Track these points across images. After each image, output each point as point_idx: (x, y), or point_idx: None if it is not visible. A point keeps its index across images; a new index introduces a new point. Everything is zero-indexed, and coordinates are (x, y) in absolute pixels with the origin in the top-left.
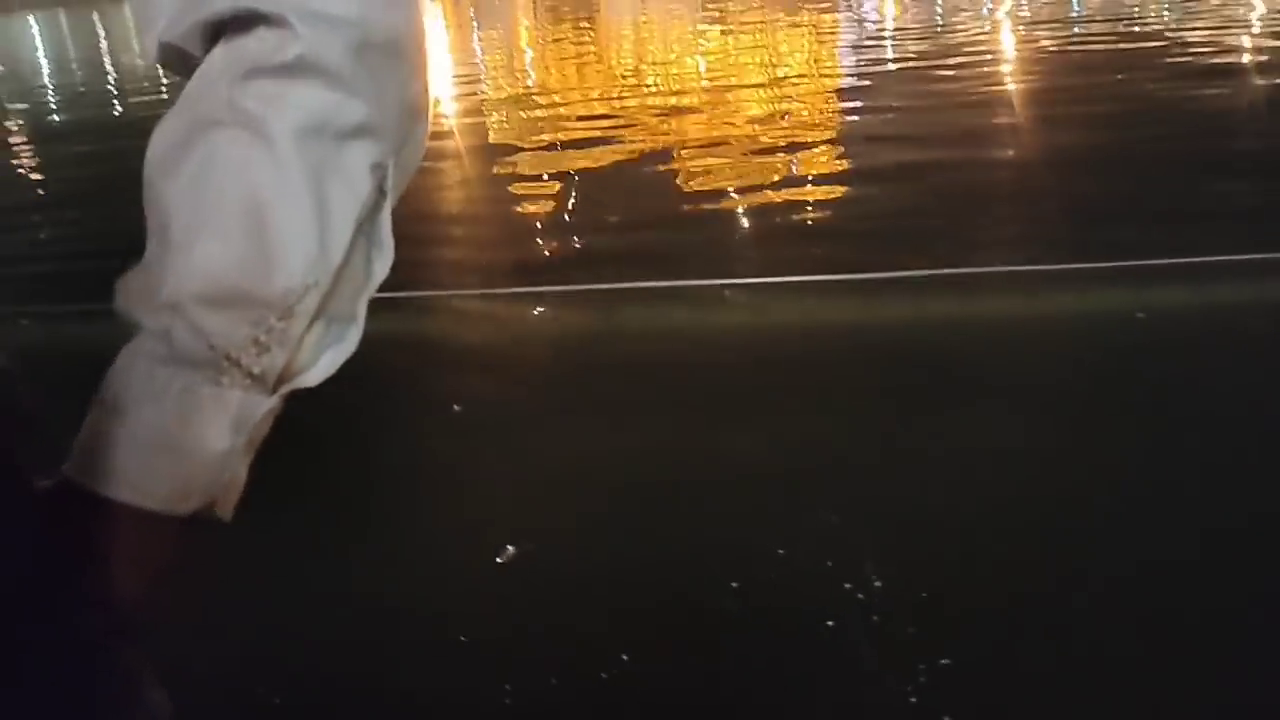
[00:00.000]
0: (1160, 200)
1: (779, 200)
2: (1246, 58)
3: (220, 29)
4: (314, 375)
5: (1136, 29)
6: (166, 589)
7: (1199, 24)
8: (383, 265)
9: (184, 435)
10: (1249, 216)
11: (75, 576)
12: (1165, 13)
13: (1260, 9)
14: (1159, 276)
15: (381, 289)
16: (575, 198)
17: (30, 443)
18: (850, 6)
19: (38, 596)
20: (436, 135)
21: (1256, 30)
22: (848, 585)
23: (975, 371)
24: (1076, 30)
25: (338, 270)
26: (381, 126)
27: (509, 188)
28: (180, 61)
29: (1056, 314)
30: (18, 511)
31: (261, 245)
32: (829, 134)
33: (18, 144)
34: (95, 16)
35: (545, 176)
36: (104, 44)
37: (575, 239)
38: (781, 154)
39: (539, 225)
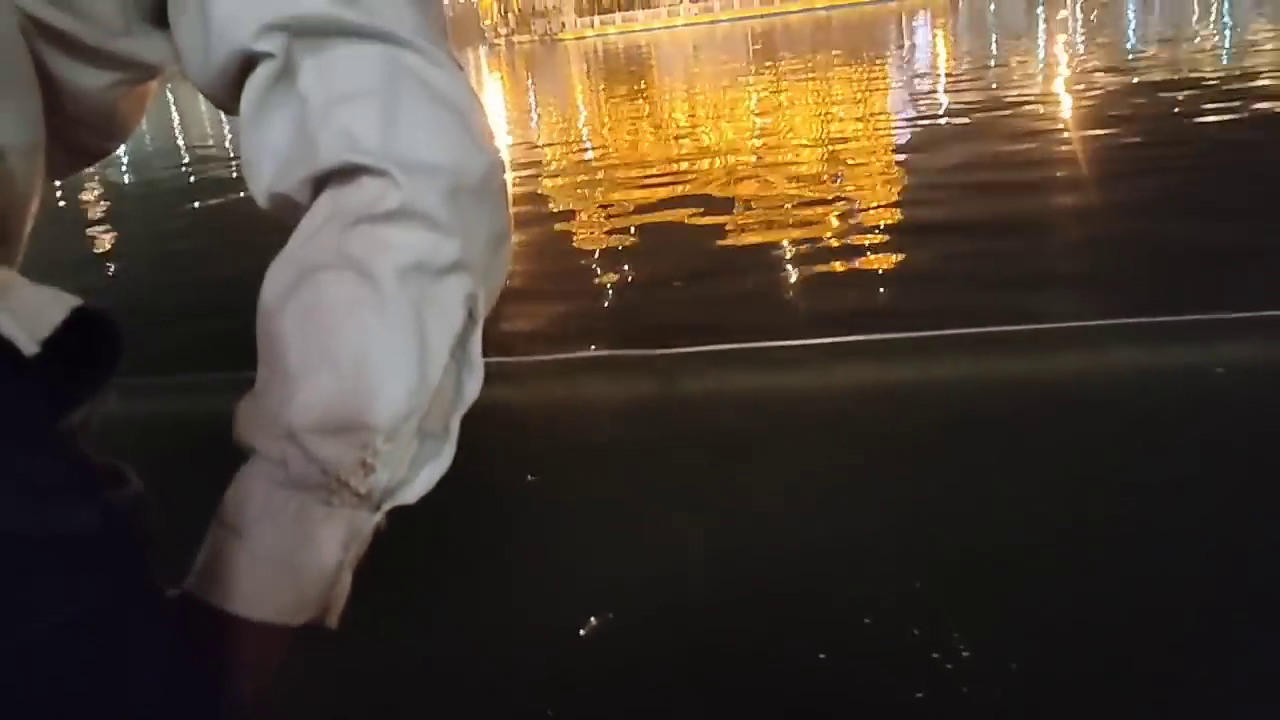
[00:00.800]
0: (1231, 249)
1: (834, 257)
2: None
3: (326, 179)
4: (414, 491)
5: (1191, 72)
6: (280, 692)
7: (1259, 63)
8: (474, 385)
9: (301, 552)
10: None
11: (203, 683)
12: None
13: None
14: (1237, 330)
15: None
16: (633, 260)
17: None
18: (902, 51)
19: (175, 702)
20: None
21: None
22: (935, 655)
23: (1046, 432)
24: (1131, 63)
25: (434, 393)
26: (473, 260)
27: (565, 247)
28: (288, 208)
29: (1128, 369)
30: (159, 626)
31: (368, 377)
32: (883, 189)
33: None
34: (169, 93)
35: (603, 237)
36: (176, 119)
37: (634, 302)
38: (835, 210)
39: (598, 287)
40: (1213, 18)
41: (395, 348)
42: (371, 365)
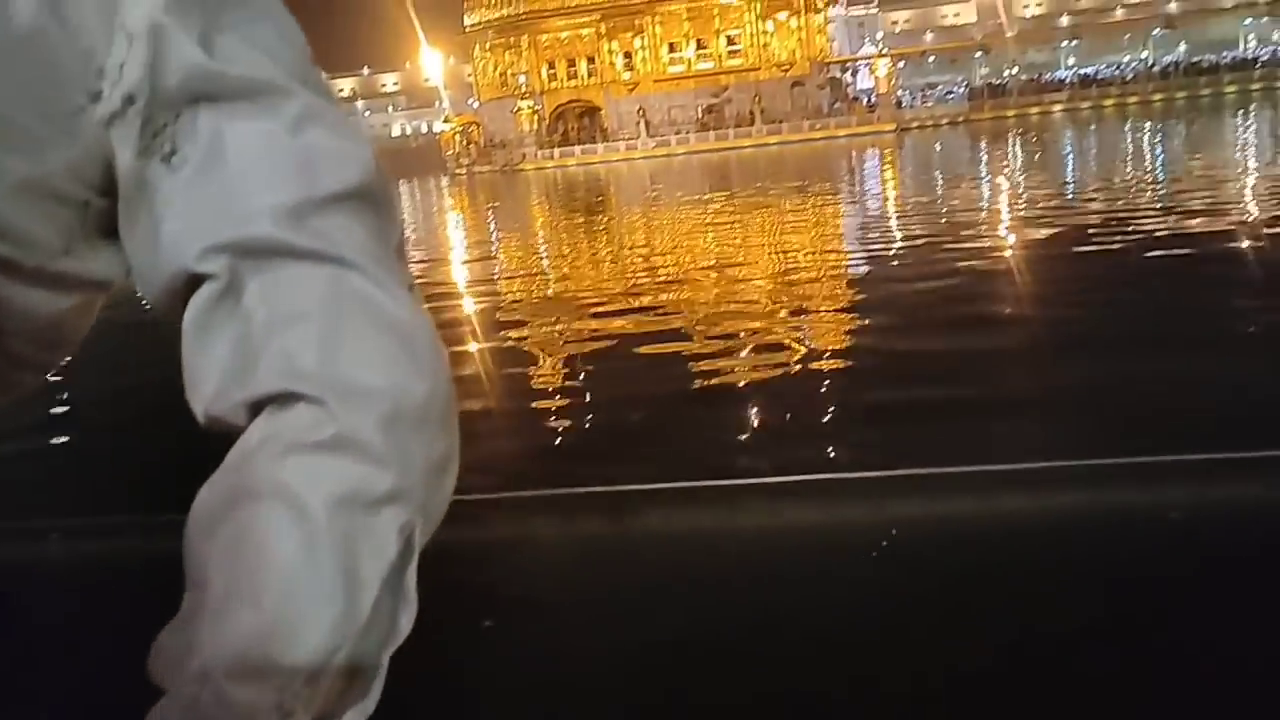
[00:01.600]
0: (1175, 384)
1: (788, 392)
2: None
3: (263, 403)
4: None
5: (1126, 210)
6: None
7: (1190, 201)
8: (408, 619)
9: None
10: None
11: None
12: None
13: None
14: (1193, 472)
15: None
16: (588, 392)
17: None
18: (851, 185)
19: None
20: (449, 324)
21: None
22: None
23: (992, 575)
24: (1068, 201)
25: (363, 629)
26: (410, 490)
27: (519, 380)
28: (224, 428)
29: (1080, 513)
30: None
31: (292, 616)
32: (835, 323)
33: None
34: None
35: (557, 368)
36: None
37: (590, 437)
38: (790, 341)
39: (551, 421)
40: (1146, 160)
41: (322, 584)
42: (296, 603)
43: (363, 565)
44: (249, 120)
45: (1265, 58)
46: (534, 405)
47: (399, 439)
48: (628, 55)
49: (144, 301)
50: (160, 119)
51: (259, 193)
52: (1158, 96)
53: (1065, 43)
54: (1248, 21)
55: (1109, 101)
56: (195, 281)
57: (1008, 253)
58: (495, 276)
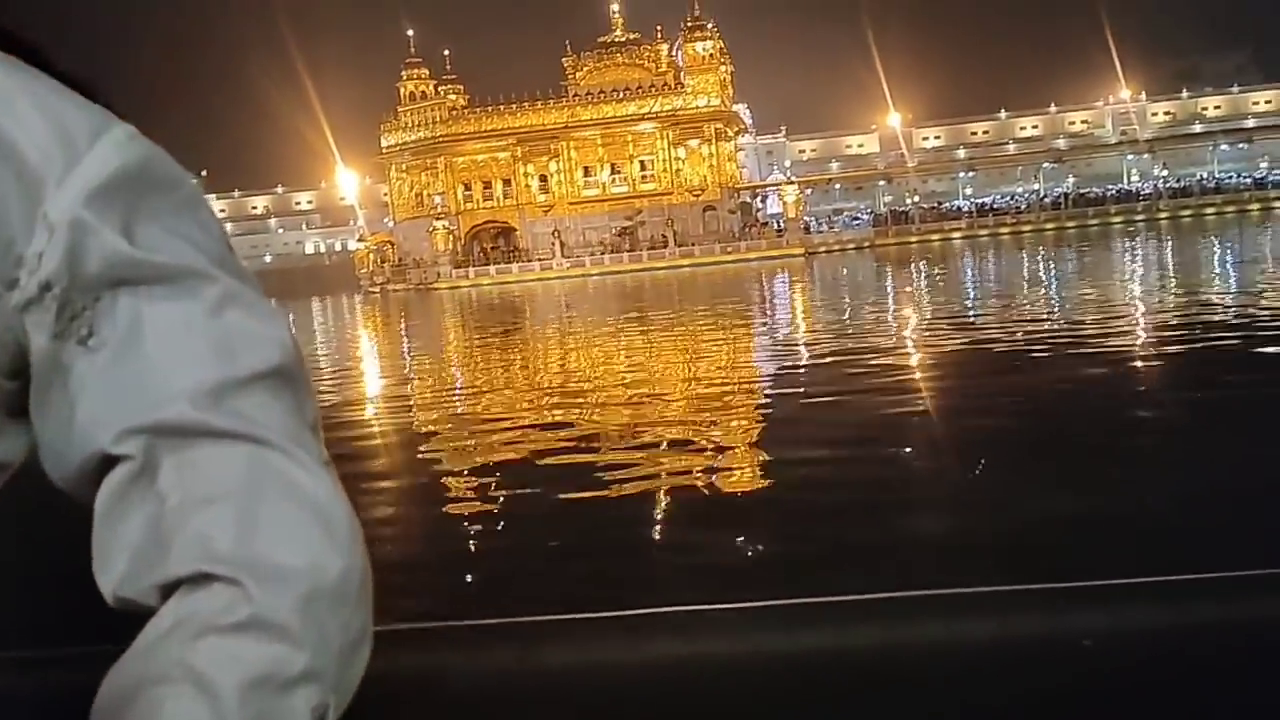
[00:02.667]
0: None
1: (700, 519)
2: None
3: (174, 585)
4: None
5: (1029, 329)
6: None
7: (1082, 322)
8: None
9: None
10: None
11: None
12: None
13: None
14: (1104, 598)
15: None
16: (502, 520)
17: None
18: (763, 306)
19: None
20: (365, 455)
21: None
22: None
23: (911, 709)
24: (969, 322)
25: None
26: (324, 668)
27: (430, 507)
28: (133, 609)
29: (985, 640)
30: None
31: None
32: (752, 447)
33: None
34: None
35: (474, 497)
36: None
37: (500, 566)
38: (701, 464)
39: (470, 550)
40: (1042, 281)
41: None
42: None
43: None
44: (168, 302)
45: (1147, 191)
46: (445, 539)
47: (315, 618)
48: (543, 178)
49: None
50: (79, 303)
51: (177, 375)
52: (1050, 225)
53: (963, 174)
54: (1130, 157)
55: (1005, 229)
56: (109, 463)
57: (911, 372)
58: (401, 396)
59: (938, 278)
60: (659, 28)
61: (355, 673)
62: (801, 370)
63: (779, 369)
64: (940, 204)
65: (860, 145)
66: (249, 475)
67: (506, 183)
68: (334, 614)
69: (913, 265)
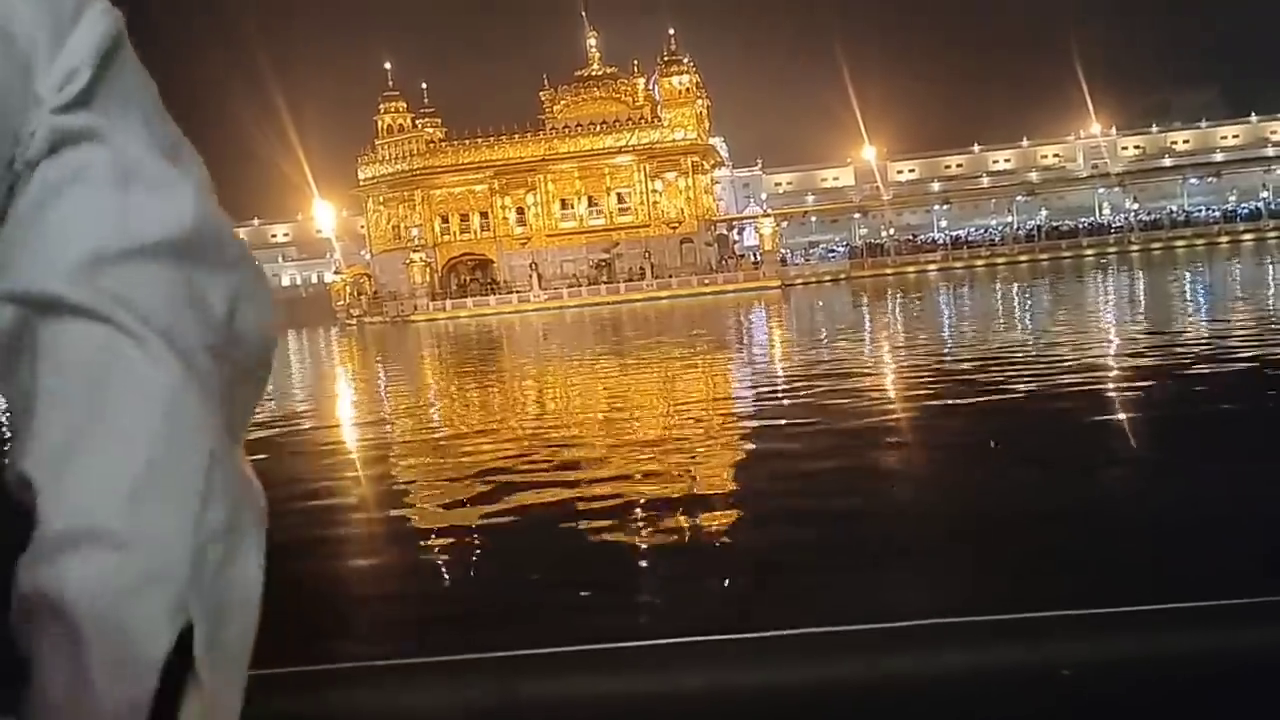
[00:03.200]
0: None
1: (679, 553)
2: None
3: (18, 479)
4: None
5: (1005, 369)
6: None
7: (1057, 358)
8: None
9: None
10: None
11: None
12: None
13: None
14: (1089, 627)
15: (283, 661)
16: (476, 556)
17: None
18: (740, 335)
19: None
20: (337, 491)
21: None
22: None
23: None
24: (944, 359)
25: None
26: (170, 570)
27: (405, 545)
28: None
29: (963, 671)
30: None
31: None
32: (729, 482)
33: None
34: None
35: (449, 532)
36: None
37: (476, 599)
38: (679, 502)
39: (445, 584)
40: (1016, 317)
41: (93, 688)
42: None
43: (135, 652)
44: (81, 172)
45: (1119, 223)
46: (421, 572)
47: (147, 519)
48: (520, 211)
49: None
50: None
51: (62, 244)
52: (1024, 258)
53: (937, 207)
54: (1101, 191)
55: (979, 262)
56: None
57: (888, 404)
58: (383, 441)
59: (913, 310)
60: (635, 62)
61: (228, 577)
62: (776, 407)
63: (756, 406)
64: (915, 237)
65: (836, 178)
66: (96, 364)
67: (484, 215)
68: (172, 512)
69: (889, 297)
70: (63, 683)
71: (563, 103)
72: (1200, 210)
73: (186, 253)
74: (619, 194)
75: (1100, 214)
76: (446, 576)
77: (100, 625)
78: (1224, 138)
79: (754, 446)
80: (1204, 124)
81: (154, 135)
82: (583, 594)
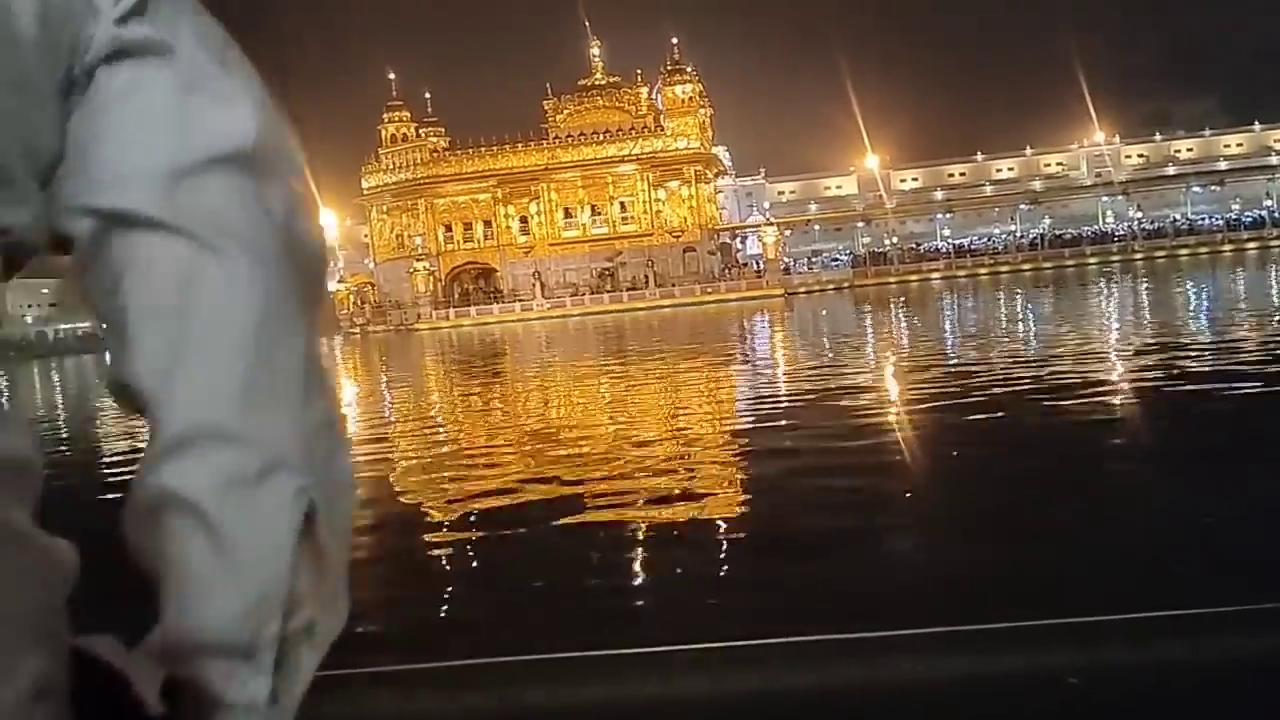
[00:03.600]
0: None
1: (683, 562)
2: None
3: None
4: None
5: (1007, 377)
6: None
7: (1059, 369)
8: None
9: None
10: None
11: None
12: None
13: None
14: (1094, 634)
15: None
16: (478, 561)
17: None
18: (744, 343)
19: None
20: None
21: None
22: None
23: None
24: (948, 367)
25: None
26: (289, 458)
27: (408, 554)
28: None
29: (969, 678)
30: None
31: (208, 612)
32: (731, 486)
33: None
34: None
35: (452, 535)
36: None
37: (478, 607)
38: (684, 510)
39: (445, 591)
40: (1020, 321)
41: (238, 570)
42: (212, 598)
43: (270, 532)
44: (149, 76)
45: (1122, 232)
46: (421, 579)
47: (258, 416)
48: (523, 220)
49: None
50: (92, 62)
51: (134, 154)
52: (1027, 266)
53: (940, 215)
54: (1105, 199)
55: (983, 270)
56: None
57: (891, 413)
58: (387, 447)
59: (916, 319)
60: (639, 71)
61: (333, 464)
62: (781, 414)
63: (760, 414)
64: (918, 245)
65: (839, 187)
66: (183, 278)
67: (487, 224)
68: (281, 409)
69: (892, 305)
70: (203, 572)
71: (566, 112)
72: (1204, 219)
73: (252, 163)
74: (622, 203)
75: (1103, 222)
76: (445, 586)
77: (234, 513)
78: (1227, 146)
79: (761, 459)
80: (1207, 133)
81: (209, 46)
82: (579, 601)
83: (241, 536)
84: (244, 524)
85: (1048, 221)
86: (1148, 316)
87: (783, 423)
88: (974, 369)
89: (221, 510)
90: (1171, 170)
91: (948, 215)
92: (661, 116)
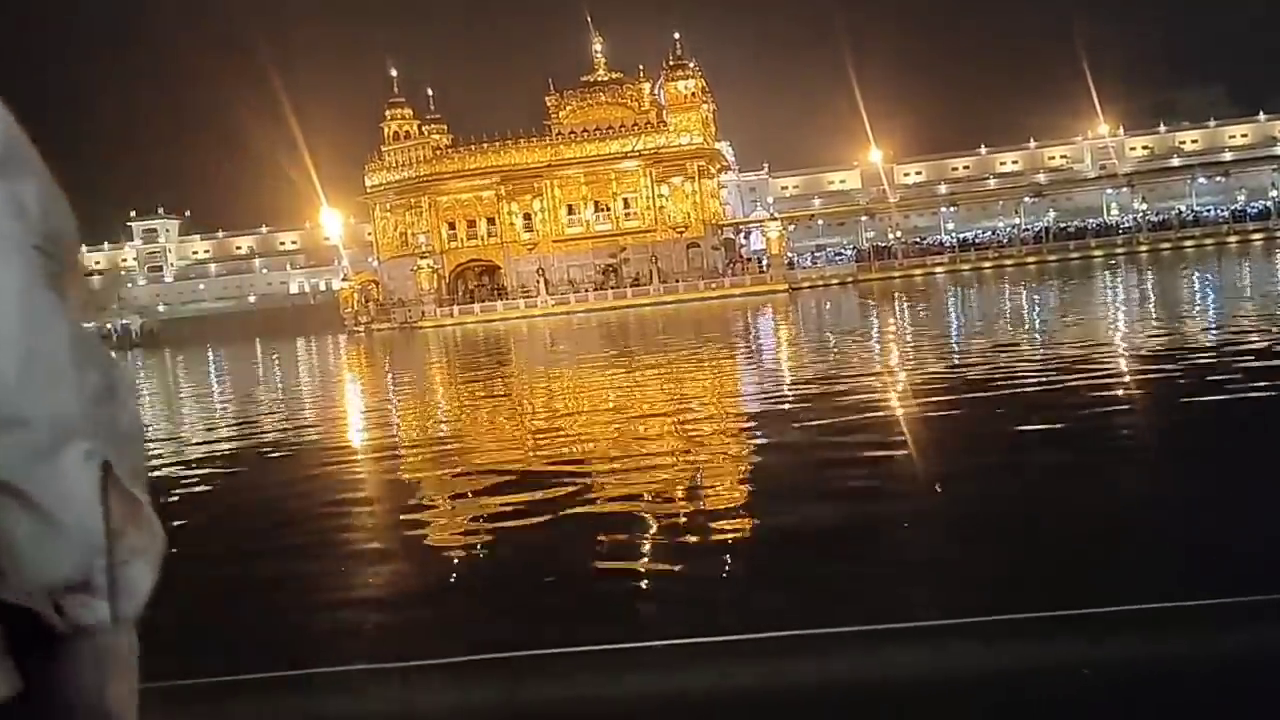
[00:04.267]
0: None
1: (687, 558)
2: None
3: None
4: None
5: (1011, 373)
6: None
7: (1066, 364)
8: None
9: None
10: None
11: None
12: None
13: None
14: (1106, 627)
15: (288, 666)
16: (482, 557)
17: None
18: (748, 342)
19: None
20: (350, 492)
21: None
22: None
23: None
24: (953, 363)
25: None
26: (75, 423)
27: (412, 553)
28: None
29: (975, 671)
30: None
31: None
32: (735, 486)
33: None
34: None
35: (455, 534)
36: None
37: (482, 605)
38: (686, 510)
39: (451, 587)
40: (1025, 320)
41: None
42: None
43: (76, 491)
44: None
45: (1127, 224)
46: (425, 572)
47: (39, 395)
48: (527, 216)
49: None
50: None
51: None
52: (1031, 259)
53: (944, 209)
54: (1109, 191)
55: (987, 264)
56: None
57: (897, 409)
58: (392, 446)
59: (921, 313)
60: (641, 67)
61: (119, 420)
62: (787, 410)
63: (767, 410)
64: (922, 239)
65: (842, 181)
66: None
67: (490, 221)
68: (57, 385)
69: (896, 300)
70: (33, 532)
71: (568, 108)
72: (1209, 210)
73: (3, 166)
74: (625, 199)
75: (1108, 214)
76: (451, 582)
77: (41, 483)
78: (1232, 137)
79: (766, 461)
80: (1212, 123)
81: None
82: (582, 599)
83: (53, 500)
84: (52, 489)
85: (1052, 214)
86: (1154, 310)
87: (789, 416)
88: (976, 364)
89: (29, 482)
90: (1176, 161)
91: (951, 209)
92: (664, 112)
